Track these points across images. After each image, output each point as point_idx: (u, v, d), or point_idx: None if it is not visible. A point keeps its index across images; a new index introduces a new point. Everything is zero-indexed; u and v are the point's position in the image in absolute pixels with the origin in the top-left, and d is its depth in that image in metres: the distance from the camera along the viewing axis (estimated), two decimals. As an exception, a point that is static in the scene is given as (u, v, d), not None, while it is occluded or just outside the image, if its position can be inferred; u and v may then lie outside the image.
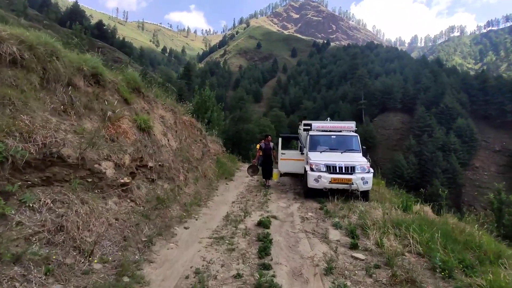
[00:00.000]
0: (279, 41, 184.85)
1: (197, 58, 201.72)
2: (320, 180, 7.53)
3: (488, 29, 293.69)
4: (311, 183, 7.65)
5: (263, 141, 9.97)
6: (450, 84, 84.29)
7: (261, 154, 10.18)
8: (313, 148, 8.76)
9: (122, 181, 4.46)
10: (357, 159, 7.99)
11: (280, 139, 9.29)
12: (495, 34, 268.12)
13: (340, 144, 8.73)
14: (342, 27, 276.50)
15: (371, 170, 7.67)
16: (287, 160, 9.06)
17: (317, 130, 9.15)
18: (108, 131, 4.84)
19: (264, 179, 9.96)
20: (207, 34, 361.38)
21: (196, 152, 10.86)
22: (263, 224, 5.22)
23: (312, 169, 7.77)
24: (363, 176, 7.45)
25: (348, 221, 5.74)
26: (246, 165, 19.77)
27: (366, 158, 7.92)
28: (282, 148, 9.54)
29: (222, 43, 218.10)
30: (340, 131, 9.08)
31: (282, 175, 9.92)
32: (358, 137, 8.80)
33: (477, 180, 61.85)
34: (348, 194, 7.64)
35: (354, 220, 5.86)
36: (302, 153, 8.86)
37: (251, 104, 75.45)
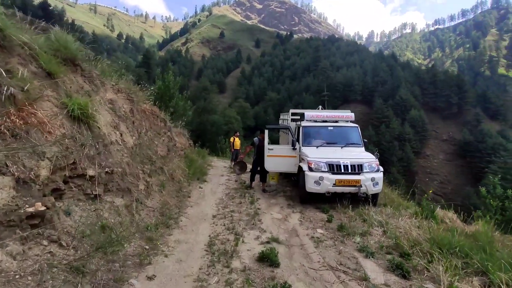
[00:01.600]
0: (243, 31, 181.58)
1: (157, 45, 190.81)
2: (322, 182, 6.03)
3: (436, 27, 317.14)
4: (311, 186, 6.13)
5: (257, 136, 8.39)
6: (405, 77, 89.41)
7: (249, 150, 8.61)
8: (307, 142, 7.24)
9: (30, 210, 2.49)
10: (363, 155, 6.62)
11: (266, 132, 7.59)
12: (441, 32, 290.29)
13: (338, 137, 7.31)
14: (304, 19, 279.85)
15: (381, 168, 6.34)
16: (275, 157, 7.41)
17: (310, 120, 7.62)
18: (9, 121, 2.80)
19: (252, 181, 8.34)
20: (167, 21, 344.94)
21: (161, 148, 8.82)
22: (267, 257, 3.55)
23: (311, 169, 6.24)
24: (373, 176, 6.09)
25: (375, 241, 4.30)
26: (218, 160, 17.93)
27: (374, 155, 6.57)
28: (269, 143, 7.91)
29: (184, 31, 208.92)
30: (337, 122, 7.66)
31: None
32: (359, 128, 7.45)
33: (428, 167, 66.65)
34: (351, 197, 6.28)
35: (381, 238, 4.45)
36: (294, 149, 7.27)
37: (215, 94, 72.81)
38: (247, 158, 11.81)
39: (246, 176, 9.84)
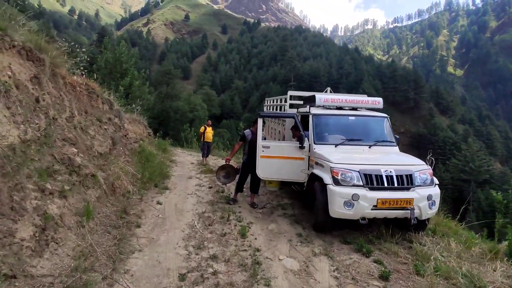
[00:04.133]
0: (209, 15, 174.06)
1: (115, 24, 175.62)
2: (357, 203, 3.80)
3: (395, 25, 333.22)
4: (338, 210, 3.88)
5: (250, 128, 5.72)
6: (367, 71, 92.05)
7: (238, 148, 6.10)
8: (320, 138, 4.95)
9: None
10: (408, 160, 4.51)
11: (260, 122, 5.14)
12: (399, 30, 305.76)
13: (362, 132, 5.12)
14: (272, 8, 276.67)
15: (436, 180, 4.26)
16: (272, 159, 5.02)
17: (324, 106, 5.31)
18: None
19: (238, 192, 5.86)
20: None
21: (100, 141, 6.02)
22: None
23: (336, 182, 3.97)
24: (429, 192, 4.00)
25: None
26: (183, 153, 15.02)
27: (426, 160, 4.47)
28: (264, 138, 5.52)
29: (145, 10, 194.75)
30: (356, 109, 5.45)
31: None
32: (389, 119, 5.32)
33: (386, 159, 70.57)
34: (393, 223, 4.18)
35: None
36: (301, 147, 4.91)
37: (179, 80, 68.21)
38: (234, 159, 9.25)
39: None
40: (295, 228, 4.44)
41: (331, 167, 4.08)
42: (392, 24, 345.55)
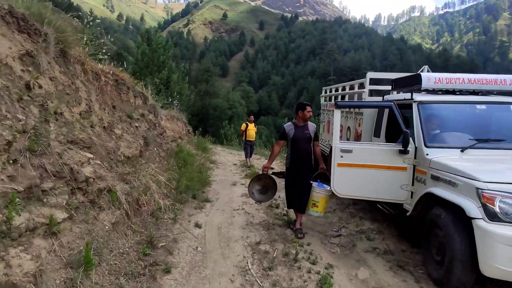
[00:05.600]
0: (246, 12, 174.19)
1: (158, 27, 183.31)
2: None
3: (445, 10, 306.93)
4: (501, 266, 2.22)
5: (296, 117, 3.95)
6: (415, 61, 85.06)
7: (279, 151, 4.29)
8: (435, 138, 3.27)
9: None
10: None
11: (338, 114, 3.55)
12: (451, 16, 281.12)
13: (503, 128, 3.33)
14: (309, 1, 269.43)
15: None
16: (355, 169, 3.45)
17: (434, 90, 3.59)
18: None
19: (291, 209, 4.27)
20: (169, 2, 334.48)
21: (128, 142, 4.92)
22: None
23: (493, 215, 2.30)
24: None
25: None
26: (223, 152, 13.85)
27: None
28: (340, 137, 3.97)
29: (185, 12, 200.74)
30: (483, 93, 3.63)
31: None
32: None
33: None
34: None
35: None
36: (404, 151, 3.24)
37: (218, 78, 68.48)
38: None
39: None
40: (405, 282, 2.82)
41: (478, 188, 2.40)
42: (442, 9, 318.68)
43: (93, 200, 2.94)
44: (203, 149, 11.25)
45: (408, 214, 3.32)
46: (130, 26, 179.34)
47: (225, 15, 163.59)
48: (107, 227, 2.85)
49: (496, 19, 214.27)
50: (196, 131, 15.25)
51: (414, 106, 3.46)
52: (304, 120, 3.85)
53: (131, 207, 3.42)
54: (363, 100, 4.66)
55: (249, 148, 9.26)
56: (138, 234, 3.18)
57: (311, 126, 3.89)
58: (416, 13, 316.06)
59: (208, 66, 58.37)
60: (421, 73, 3.55)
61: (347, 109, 5.45)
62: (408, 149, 3.28)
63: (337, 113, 3.62)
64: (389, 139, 4.18)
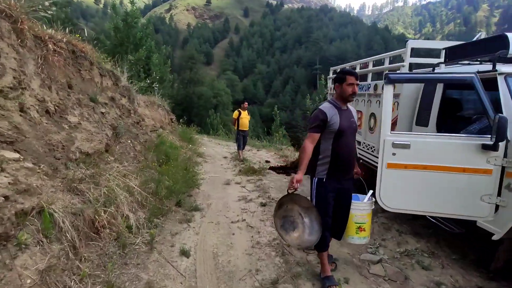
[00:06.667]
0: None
1: (139, 11, 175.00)
2: None
3: (428, 1, 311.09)
4: None
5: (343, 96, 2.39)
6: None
7: (310, 152, 2.32)
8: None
9: None
10: None
11: (389, 91, 2.44)
12: (433, 6, 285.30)
13: None
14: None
15: None
16: (411, 172, 2.39)
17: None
18: None
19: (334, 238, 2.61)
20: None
21: (88, 133, 3.65)
22: None
23: None
24: None
25: None
26: (211, 142, 12.45)
27: None
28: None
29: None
30: None
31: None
32: None
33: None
34: None
35: None
36: (491, 147, 2.21)
37: (202, 65, 66.17)
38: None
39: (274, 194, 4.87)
40: None
41: None
42: (425, 0, 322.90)
43: (5, 234, 1.72)
44: (188, 140, 9.98)
45: (494, 238, 2.28)
46: (109, 11, 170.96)
47: (208, 1, 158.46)
48: (29, 282, 1.65)
49: (476, 11, 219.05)
50: (181, 120, 13.89)
51: (501, 80, 2.39)
52: (345, 100, 2.36)
53: (81, 234, 2.21)
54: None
55: (242, 139, 8.07)
56: (90, 280, 1.99)
57: (353, 110, 2.49)
58: (400, 3, 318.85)
59: (192, 53, 56.05)
60: (508, 34, 2.47)
61: (369, 91, 4.37)
62: (497, 144, 2.21)
63: (389, 90, 2.49)
64: (443, 129, 3.13)
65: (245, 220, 3.70)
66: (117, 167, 3.81)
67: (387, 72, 2.80)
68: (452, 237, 3.11)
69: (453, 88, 3.25)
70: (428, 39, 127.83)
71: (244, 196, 4.74)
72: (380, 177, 2.52)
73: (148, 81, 8.00)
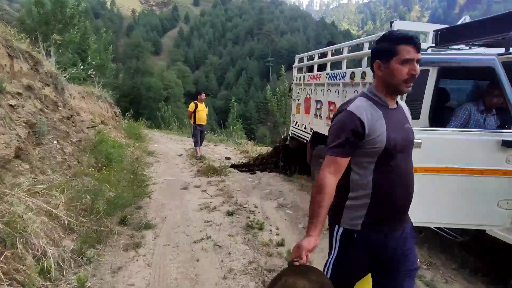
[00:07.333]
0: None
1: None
2: None
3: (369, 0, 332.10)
4: None
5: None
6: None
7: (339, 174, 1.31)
8: None
9: None
10: None
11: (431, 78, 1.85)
12: (373, 5, 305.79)
13: None
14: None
15: None
16: (421, 175, 1.93)
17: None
18: None
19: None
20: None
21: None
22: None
23: None
24: None
25: None
26: (163, 138, 11.11)
27: None
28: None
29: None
30: None
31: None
32: None
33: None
34: None
35: None
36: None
37: (150, 55, 62.11)
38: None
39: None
40: None
41: None
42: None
43: None
44: (136, 136, 8.83)
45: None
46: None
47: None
48: None
49: (410, 11, 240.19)
50: (127, 114, 12.44)
51: (520, 64, 2.02)
52: (396, 91, 1.28)
53: None
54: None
55: (199, 135, 7.23)
56: None
57: (406, 108, 1.42)
58: (344, 1, 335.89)
59: (139, 41, 52.41)
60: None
61: (344, 80, 3.93)
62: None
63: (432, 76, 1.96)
64: (437, 122, 2.76)
65: (210, 237, 3.00)
66: (34, 178, 2.83)
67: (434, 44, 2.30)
68: (445, 243, 2.80)
69: (450, 76, 2.90)
70: (369, 35, 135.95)
71: (206, 203, 4.02)
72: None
73: (82, 68, 6.65)
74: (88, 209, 3.01)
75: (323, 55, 4.74)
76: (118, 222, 3.09)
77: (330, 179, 1.21)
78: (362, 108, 1.24)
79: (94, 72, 7.28)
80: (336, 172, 1.23)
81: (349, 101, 1.30)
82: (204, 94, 7.42)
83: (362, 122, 1.20)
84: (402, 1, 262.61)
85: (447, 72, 2.79)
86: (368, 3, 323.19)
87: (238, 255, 2.69)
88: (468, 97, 3.14)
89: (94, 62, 8.08)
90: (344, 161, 1.24)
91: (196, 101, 7.28)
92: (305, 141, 5.19)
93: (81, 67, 6.75)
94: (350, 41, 4.17)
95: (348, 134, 1.21)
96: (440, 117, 2.82)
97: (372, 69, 1.29)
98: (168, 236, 3.00)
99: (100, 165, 4.38)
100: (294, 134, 5.72)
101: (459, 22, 3.19)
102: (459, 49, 2.89)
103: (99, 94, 8.60)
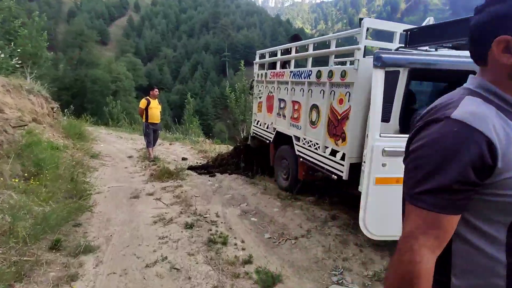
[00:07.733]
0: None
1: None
2: None
3: (321, 0, 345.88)
4: None
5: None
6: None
7: None
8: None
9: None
10: None
11: (378, 77, 1.69)
12: (325, 5, 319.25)
13: None
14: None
15: None
16: (388, 186, 1.78)
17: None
18: None
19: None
20: None
21: None
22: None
23: None
24: None
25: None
26: (110, 136, 9.93)
27: None
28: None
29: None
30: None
31: None
32: None
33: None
34: None
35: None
36: None
37: (95, 44, 57.11)
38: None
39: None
40: None
41: None
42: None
43: None
44: (77, 136, 7.82)
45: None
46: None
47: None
48: None
49: (358, 13, 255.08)
50: (67, 110, 11.09)
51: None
52: None
53: None
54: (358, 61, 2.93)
55: (152, 134, 6.58)
56: None
57: None
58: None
59: (82, 29, 47.70)
60: None
61: (309, 78, 3.73)
62: None
63: (379, 77, 1.78)
64: (406, 125, 2.67)
65: (166, 258, 2.58)
66: None
67: (378, 51, 2.09)
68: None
69: (421, 77, 2.83)
70: (322, 35, 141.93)
71: (160, 214, 3.55)
72: (366, 196, 1.82)
73: (9, 55, 5.57)
74: (6, 233, 2.39)
75: (287, 51, 4.51)
76: (49, 247, 2.51)
77: (429, 262, 0.64)
78: (487, 118, 0.64)
79: (20, 61, 6.18)
80: (439, 245, 0.65)
81: (448, 101, 0.70)
82: (157, 90, 6.78)
83: (493, 146, 0.62)
84: (351, 3, 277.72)
85: (417, 74, 2.70)
86: (320, 3, 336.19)
87: (200, 279, 2.32)
88: (432, 99, 3.13)
89: (19, 50, 6.88)
90: (454, 221, 0.66)
91: (148, 97, 6.61)
92: (267, 141, 4.96)
93: (7, 55, 5.64)
94: (316, 38, 3.97)
95: (463, 168, 0.62)
96: (409, 120, 2.74)
97: (482, 54, 0.71)
98: (113, 261, 2.51)
99: (27, 174, 3.64)
100: (256, 134, 5.46)
101: (424, 24, 3.15)
102: (426, 50, 2.83)
103: (30, 87, 7.42)
